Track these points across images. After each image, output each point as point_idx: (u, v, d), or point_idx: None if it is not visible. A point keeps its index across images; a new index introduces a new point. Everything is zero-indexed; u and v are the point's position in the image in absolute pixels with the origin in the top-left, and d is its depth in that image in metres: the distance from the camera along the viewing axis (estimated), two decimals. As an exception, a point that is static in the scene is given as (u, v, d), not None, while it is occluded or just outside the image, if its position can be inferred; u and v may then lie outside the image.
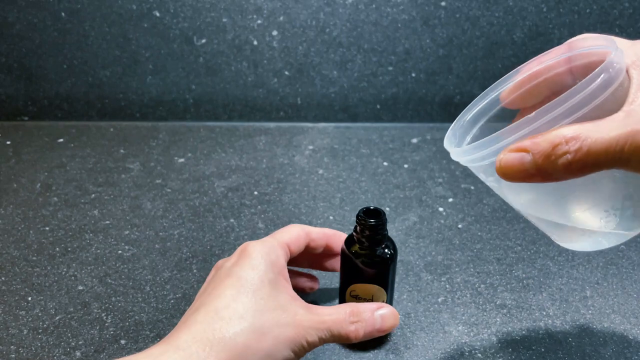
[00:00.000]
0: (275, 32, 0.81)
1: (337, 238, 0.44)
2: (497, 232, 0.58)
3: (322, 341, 0.34)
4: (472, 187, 0.67)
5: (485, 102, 0.35)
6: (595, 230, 0.32)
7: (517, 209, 0.34)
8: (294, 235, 0.40)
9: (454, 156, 0.34)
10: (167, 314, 0.46)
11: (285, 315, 0.33)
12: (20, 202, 0.63)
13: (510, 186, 0.32)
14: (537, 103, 0.34)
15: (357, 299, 0.42)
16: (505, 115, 0.35)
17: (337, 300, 0.47)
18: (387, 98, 0.85)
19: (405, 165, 0.73)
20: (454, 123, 0.36)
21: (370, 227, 0.40)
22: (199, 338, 0.30)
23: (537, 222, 0.34)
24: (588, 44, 0.31)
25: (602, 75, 0.26)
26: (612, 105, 0.27)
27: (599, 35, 0.31)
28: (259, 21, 0.80)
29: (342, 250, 0.42)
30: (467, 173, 0.70)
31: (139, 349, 0.42)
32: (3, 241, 0.56)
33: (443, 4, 0.79)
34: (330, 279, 0.51)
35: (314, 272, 0.50)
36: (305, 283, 0.46)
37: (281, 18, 0.80)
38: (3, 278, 0.50)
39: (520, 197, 0.33)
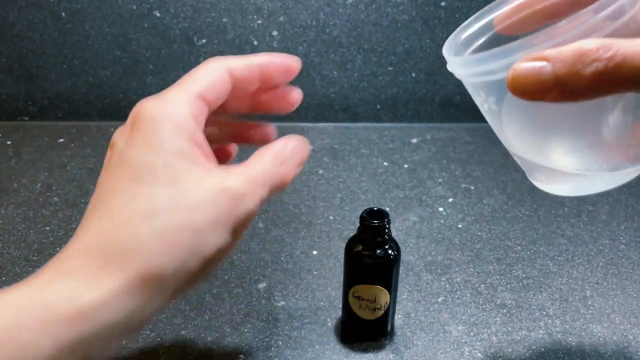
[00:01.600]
0: (275, 32, 0.81)
1: (273, 64, 0.32)
2: (497, 232, 0.58)
3: (262, 202, 0.27)
4: (472, 187, 0.67)
5: (479, 24, 0.31)
6: (587, 174, 0.28)
7: (504, 142, 0.30)
8: (209, 78, 0.29)
9: (453, 66, 0.28)
10: (167, 314, 0.46)
11: (208, 191, 0.24)
12: (20, 202, 0.63)
13: (510, 113, 0.28)
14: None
15: (360, 299, 0.42)
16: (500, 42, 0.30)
17: (339, 301, 0.48)
18: (387, 98, 0.85)
19: (405, 165, 0.73)
20: (456, 31, 0.31)
21: (374, 229, 0.40)
22: (94, 254, 0.23)
23: (520, 160, 0.30)
24: None
25: None
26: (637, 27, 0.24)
27: None
28: (259, 21, 0.80)
29: (345, 250, 0.42)
30: (467, 173, 0.70)
31: (140, 349, 0.42)
32: (3, 241, 0.56)
33: (443, 4, 0.79)
34: (331, 280, 0.51)
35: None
36: (253, 133, 0.36)
37: (281, 18, 0.80)
38: (3, 278, 0.50)
39: (514, 127, 0.29)
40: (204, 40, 0.81)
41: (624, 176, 0.28)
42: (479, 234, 0.58)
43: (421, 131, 0.83)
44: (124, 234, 0.23)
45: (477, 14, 0.31)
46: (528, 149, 0.30)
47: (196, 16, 0.79)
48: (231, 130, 0.35)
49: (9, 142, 0.78)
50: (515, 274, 0.52)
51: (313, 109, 0.86)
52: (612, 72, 0.21)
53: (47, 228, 0.58)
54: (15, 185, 0.67)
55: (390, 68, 0.83)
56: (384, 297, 0.41)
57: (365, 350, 0.43)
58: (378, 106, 0.86)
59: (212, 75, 0.29)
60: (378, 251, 0.40)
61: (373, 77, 0.84)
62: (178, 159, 0.25)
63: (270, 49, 0.81)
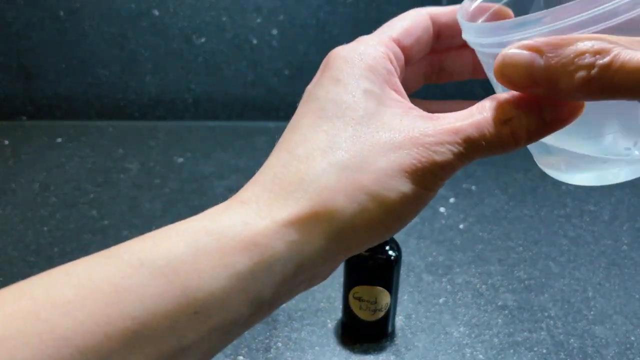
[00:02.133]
0: (275, 31, 0.80)
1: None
2: (498, 232, 0.58)
3: (462, 159, 0.22)
4: (474, 187, 0.67)
5: None
6: (614, 159, 0.26)
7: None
8: (408, 23, 0.27)
9: (469, 34, 0.25)
10: (166, 315, 0.46)
11: (395, 135, 0.22)
12: (18, 202, 0.63)
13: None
14: None
15: (361, 300, 0.41)
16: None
17: (339, 302, 0.47)
18: (388, 97, 0.85)
19: (406, 165, 0.72)
20: None
21: None
22: (269, 187, 0.22)
23: (536, 146, 0.27)
24: None
25: None
26: None
27: None
28: (258, 20, 0.79)
29: None
30: (468, 173, 0.70)
31: (138, 351, 0.42)
32: (1, 242, 0.55)
33: (443, 3, 0.79)
34: (330, 281, 0.50)
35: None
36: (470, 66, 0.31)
37: (281, 17, 0.79)
38: (1, 279, 0.50)
39: None
40: (203, 39, 0.80)
41: None
42: (481, 234, 0.58)
43: (421, 131, 0.82)
44: (301, 167, 0.22)
45: None
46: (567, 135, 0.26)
47: (195, 15, 0.79)
48: (435, 69, 0.31)
49: (7, 142, 0.77)
50: (517, 275, 0.52)
51: (313, 109, 0.85)
52: (604, 81, 0.20)
53: (45, 228, 0.58)
54: (13, 185, 0.66)
55: (391, 67, 0.83)
56: (385, 298, 0.41)
57: (365, 351, 0.42)
58: (378, 105, 0.85)
59: (410, 20, 0.27)
60: (379, 252, 0.40)
61: (373, 76, 0.83)
62: (367, 97, 0.23)
63: (270, 48, 0.81)
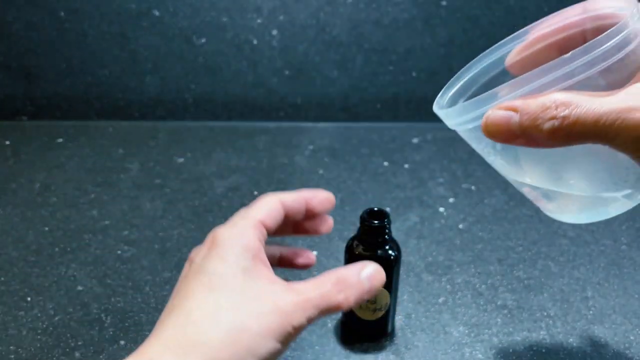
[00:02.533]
0: (275, 32, 0.80)
1: (316, 198, 0.39)
2: (498, 232, 0.58)
3: (310, 321, 0.31)
4: (473, 187, 0.67)
5: (487, 63, 0.32)
6: (605, 197, 0.30)
7: (516, 178, 0.32)
8: (268, 209, 0.35)
9: (444, 118, 0.31)
10: (166, 315, 0.46)
11: (264, 305, 0.29)
12: (19, 202, 0.63)
13: (506, 151, 0.30)
14: None
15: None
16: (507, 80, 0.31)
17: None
18: (388, 98, 0.85)
19: (406, 165, 0.72)
20: (448, 83, 0.33)
21: (374, 229, 0.39)
22: (171, 346, 0.28)
23: (533, 194, 0.32)
24: (605, 4, 0.29)
25: (610, 41, 0.24)
26: (623, 73, 0.25)
27: None
28: (258, 20, 0.79)
29: (346, 251, 0.41)
30: (468, 173, 0.70)
31: (139, 350, 0.42)
32: (2, 241, 0.55)
33: (444, 3, 0.79)
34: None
35: (306, 242, 0.50)
36: (298, 260, 0.41)
37: (281, 17, 0.79)
38: (2, 278, 0.50)
39: (531, 158, 0.31)
40: (203, 39, 0.80)
41: (636, 200, 0.29)
42: (480, 234, 0.58)
43: (422, 131, 0.82)
44: (195, 330, 0.28)
45: (464, 68, 0.33)
46: (546, 177, 0.31)
47: (195, 15, 0.79)
48: (279, 254, 0.41)
49: (7, 142, 0.77)
50: (517, 274, 0.52)
51: (313, 109, 0.85)
52: (566, 130, 0.24)
53: (46, 228, 0.58)
54: (14, 185, 0.66)
55: (391, 67, 0.83)
56: (385, 297, 0.41)
57: (365, 351, 0.43)
58: (378, 106, 0.85)
59: (269, 206, 0.35)
60: (378, 252, 0.40)
61: (373, 76, 0.84)
62: (244, 273, 0.30)
63: (270, 48, 0.81)
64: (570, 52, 0.25)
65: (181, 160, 0.74)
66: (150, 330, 0.44)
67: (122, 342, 0.43)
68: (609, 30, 0.25)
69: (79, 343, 0.43)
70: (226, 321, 0.28)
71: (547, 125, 0.25)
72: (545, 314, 0.47)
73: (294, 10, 0.79)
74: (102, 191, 0.65)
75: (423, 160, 0.73)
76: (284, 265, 0.41)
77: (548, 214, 0.33)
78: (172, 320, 0.29)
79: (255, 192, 0.66)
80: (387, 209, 0.62)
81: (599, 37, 0.24)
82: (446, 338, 0.44)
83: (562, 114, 0.24)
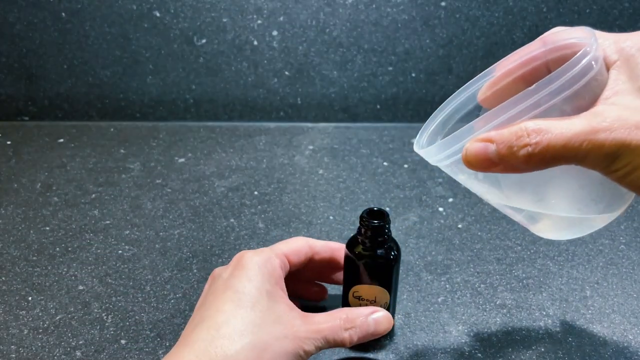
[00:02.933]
0: (275, 32, 0.81)
1: (342, 251, 0.43)
2: (497, 232, 0.58)
3: (318, 349, 0.35)
4: (472, 187, 0.67)
5: (460, 101, 0.35)
6: (586, 217, 0.32)
7: (501, 202, 0.34)
8: (295, 247, 0.40)
9: (426, 157, 0.34)
10: (167, 314, 0.46)
11: (283, 328, 0.33)
12: (20, 202, 0.63)
13: (488, 179, 0.32)
14: None
15: (360, 300, 0.42)
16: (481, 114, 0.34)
17: (339, 300, 0.47)
18: (387, 98, 0.85)
19: (405, 165, 0.73)
20: (425, 124, 0.36)
21: (374, 229, 0.39)
22: (202, 357, 0.31)
23: (519, 216, 0.34)
24: (563, 36, 0.31)
25: (571, 70, 0.27)
26: (586, 98, 0.27)
27: (578, 27, 0.31)
28: (259, 21, 0.80)
29: (346, 251, 0.42)
30: (467, 173, 0.70)
31: (139, 349, 0.42)
32: (3, 241, 0.56)
33: (443, 4, 0.79)
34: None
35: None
36: (312, 293, 0.46)
37: (281, 18, 0.80)
38: (3, 278, 0.50)
39: (513, 183, 0.33)
40: (203, 40, 0.81)
41: (616, 213, 0.32)
42: (479, 234, 0.58)
43: (421, 131, 0.82)
44: (224, 344, 0.31)
45: (438, 108, 0.36)
46: (529, 200, 0.33)
47: (196, 16, 0.79)
48: (299, 288, 0.45)
49: (9, 142, 0.78)
50: (515, 274, 0.52)
51: (313, 109, 0.86)
52: (541, 155, 0.26)
53: (47, 228, 0.58)
54: (15, 185, 0.67)
55: (390, 68, 0.83)
56: (384, 297, 0.41)
57: (365, 350, 0.43)
58: (378, 106, 0.86)
59: (296, 245, 0.41)
60: (378, 251, 0.40)
61: (373, 77, 0.84)
62: (268, 296, 0.35)
63: (270, 49, 0.81)
64: (535, 84, 0.27)
65: (182, 160, 0.74)
66: (150, 330, 0.44)
67: (123, 342, 0.43)
68: (570, 60, 0.27)
69: (80, 342, 0.43)
70: (251, 339, 0.32)
71: (522, 152, 0.27)
72: (544, 313, 0.47)
73: (294, 11, 0.79)
74: (103, 191, 0.66)
75: (422, 160, 0.73)
76: (299, 295, 0.45)
77: (537, 233, 0.35)
78: (202, 332, 0.32)
79: (255, 192, 0.66)
80: (387, 209, 0.63)
81: (561, 67, 0.27)
82: (445, 337, 0.44)
83: (534, 140, 0.26)
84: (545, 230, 0.35)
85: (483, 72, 0.34)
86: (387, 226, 0.40)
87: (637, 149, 0.25)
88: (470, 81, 0.34)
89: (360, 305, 0.42)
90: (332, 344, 0.35)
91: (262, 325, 0.33)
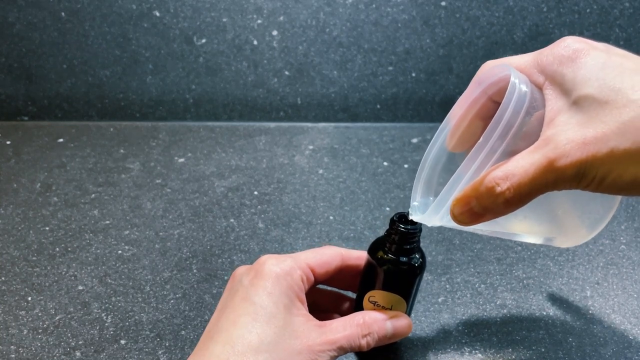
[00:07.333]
0: (275, 32, 0.80)
1: None
2: (497, 232, 0.58)
3: (333, 358, 0.35)
4: (472, 187, 0.67)
5: (433, 154, 0.37)
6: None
7: (515, 235, 0.36)
8: (323, 257, 0.39)
9: (425, 222, 0.35)
10: (167, 314, 0.46)
11: (298, 342, 0.34)
12: (20, 202, 0.63)
13: (491, 223, 0.33)
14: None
15: (376, 305, 0.39)
16: (458, 159, 0.36)
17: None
18: (387, 98, 0.85)
19: (406, 165, 0.73)
20: (413, 185, 0.37)
21: (405, 234, 0.36)
22: None
23: (531, 240, 0.37)
24: (490, 73, 0.33)
25: (507, 110, 0.28)
26: (534, 124, 0.29)
27: (497, 60, 0.33)
28: (259, 21, 0.80)
29: (368, 253, 0.39)
30: (467, 173, 0.70)
31: (139, 349, 0.42)
32: (3, 241, 0.56)
33: (443, 3, 0.79)
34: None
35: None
36: (340, 306, 0.44)
37: (281, 18, 0.80)
38: (3, 278, 0.50)
39: (531, 215, 0.34)
40: (203, 40, 0.81)
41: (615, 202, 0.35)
42: (479, 234, 0.58)
43: (421, 131, 0.82)
44: None
45: (419, 168, 0.37)
46: (536, 229, 0.35)
47: (196, 16, 0.79)
48: (321, 299, 0.43)
49: (8, 142, 0.78)
50: (516, 274, 0.52)
51: (313, 109, 0.86)
52: (517, 197, 0.28)
53: (47, 228, 0.58)
54: (15, 185, 0.67)
55: (390, 68, 0.83)
56: (401, 306, 0.39)
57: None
58: (378, 106, 0.86)
59: (325, 255, 0.39)
60: (404, 259, 0.37)
61: (373, 77, 0.84)
62: (285, 310, 0.34)
63: (270, 48, 0.81)
64: (482, 136, 0.29)
65: (182, 160, 0.74)
66: (150, 330, 0.44)
67: (122, 342, 0.43)
68: (502, 103, 0.29)
69: (80, 342, 0.43)
70: (265, 357, 0.32)
71: (500, 199, 0.28)
72: (544, 313, 0.47)
73: (294, 11, 0.79)
74: (103, 191, 0.66)
75: (423, 160, 0.74)
76: (320, 309, 0.43)
77: (559, 246, 0.37)
78: (218, 347, 0.32)
79: (255, 192, 0.66)
80: (387, 209, 0.63)
81: (497, 111, 0.29)
82: (445, 337, 0.44)
83: (505, 187, 0.28)
84: (567, 243, 0.36)
85: (441, 124, 0.36)
86: (418, 233, 0.37)
87: (595, 162, 0.26)
88: (434, 136, 0.36)
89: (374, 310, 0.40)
90: (348, 351, 0.35)
91: (277, 342, 0.33)
